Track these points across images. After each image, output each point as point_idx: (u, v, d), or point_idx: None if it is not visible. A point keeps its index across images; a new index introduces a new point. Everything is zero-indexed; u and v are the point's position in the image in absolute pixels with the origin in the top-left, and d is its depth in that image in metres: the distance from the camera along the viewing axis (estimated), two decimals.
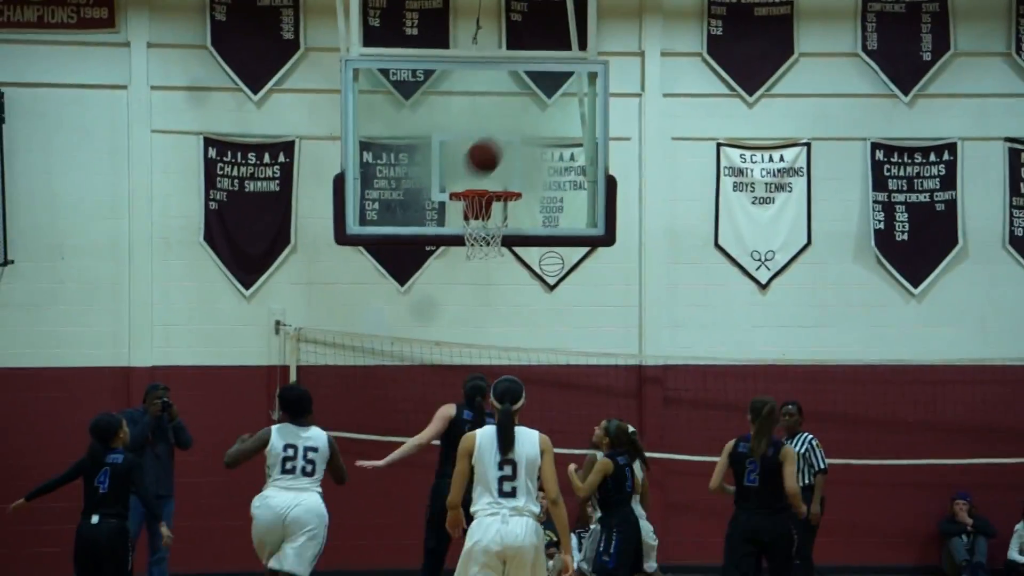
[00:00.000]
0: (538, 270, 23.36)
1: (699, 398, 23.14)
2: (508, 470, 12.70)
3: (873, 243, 23.47)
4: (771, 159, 23.53)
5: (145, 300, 22.76)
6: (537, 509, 12.81)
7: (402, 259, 23.05)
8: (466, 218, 18.11)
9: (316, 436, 16.44)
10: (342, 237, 17.95)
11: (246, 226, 22.93)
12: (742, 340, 23.35)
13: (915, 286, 23.53)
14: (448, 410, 17.34)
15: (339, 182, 17.75)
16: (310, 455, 16.25)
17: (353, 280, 23.02)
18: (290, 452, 16.29)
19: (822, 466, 19.61)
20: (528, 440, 12.92)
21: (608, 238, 18.60)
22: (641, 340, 23.38)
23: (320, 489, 16.40)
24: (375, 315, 23.04)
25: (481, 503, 12.68)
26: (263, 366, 22.85)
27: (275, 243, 22.98)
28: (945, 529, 22.85)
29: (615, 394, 23.21)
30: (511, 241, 18.77)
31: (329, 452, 16.29)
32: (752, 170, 23.53)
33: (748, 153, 23.53)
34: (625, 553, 17.36)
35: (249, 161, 22.92)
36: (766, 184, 23.55)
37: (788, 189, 23.55)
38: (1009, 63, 23.68)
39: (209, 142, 22.82)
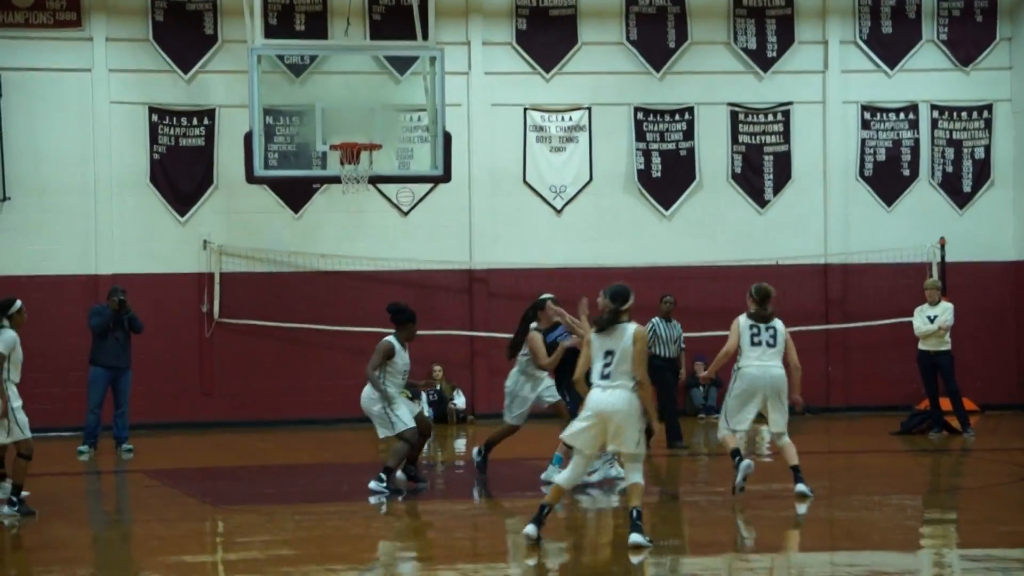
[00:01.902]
0: (395, 201, 23.41)
1: (514, 293, 23.23)
2: (608, 358, 11.69)
3: (636, 180, 23.84)
4: (563, 119, 23.78)
5: (107, 226, 22.67)
6: (630, 384, 11.63)
7: (295, 194, 23.07)
8: (342, 163, 18.31)
9: None
10: (251, 178, 18.29)
11: (180, 172, 22.87)
12: (544, 250, 23.52)
13: (666, 210, 23.89)
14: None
15: (248, 138, 18.05)
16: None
17: (260, 210, 23.01)
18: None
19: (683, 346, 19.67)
20: (625, 333, 11.71)
21: (446, 177, 18.84)
22: (471, 251, 23.56)
23: None
24: (276, 235, 23.10)
25: (592, 379, 11.76)
26: (194, 273, 22.86)
27: (202, 184, 22.93)
28: (689, 383, 23.47)
29: (453, 291, 23.51)
30: (375, 180, 18.90)
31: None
32: (549, 127, 23.80)
33: (546, 115, 23.75)
34: None
35: (182, 124, 22.89)
36: (559, 137, 23.78)
37: (576, 141, 23.80)
38: (729, 49, 24.04)
39: (152, 110, 22.82)
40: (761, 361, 14.40)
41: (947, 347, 20.10)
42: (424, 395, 23.01)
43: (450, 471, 18.37)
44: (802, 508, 13.70)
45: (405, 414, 15.31)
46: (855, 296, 23.70)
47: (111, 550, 12.56)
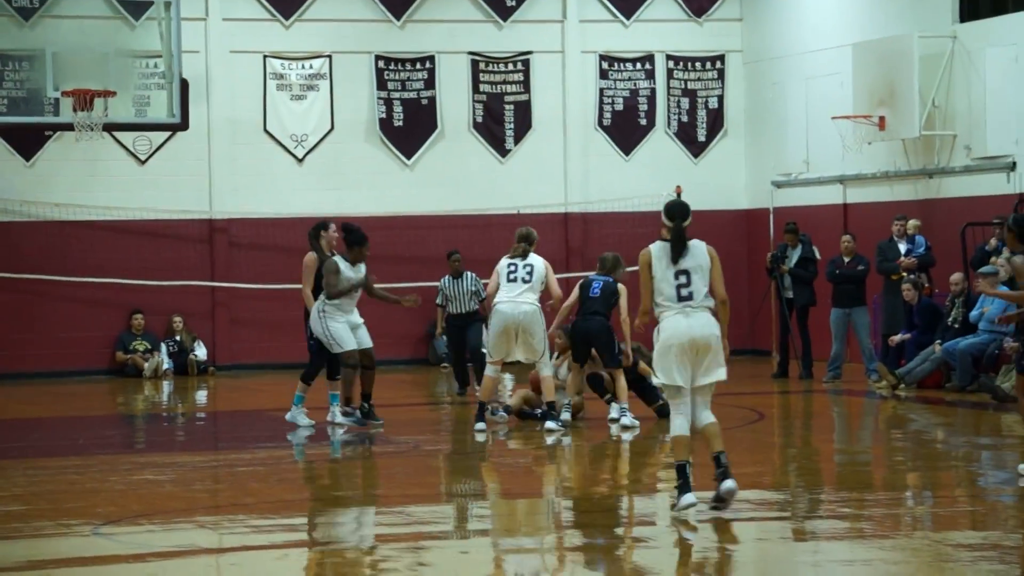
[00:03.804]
0: (132, 149, 22.94)
1: (255, 243, 23.21)
2: (683, 279, 10.66)
3: (378, 128, 23.73)
4: (303, 67, 23.61)
5: None
6: (712, 305, 10.76)
7: (27, 141, 22.42)
8: (75, 110, 18.06)
9: None
10: None
11: None
12: (286, 199, 23.31)
13: (408, 159, 23.87)
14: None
15: None
16: None
17: None
18: None
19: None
20: (699, 251, 10.78)
21: (183, 125, 18.80)
22: (211, 200, 23.26)
23: None
24: (8, 183, 22.45)
25: (667, 306, 10.65)
26: None
27: None
28: (430, 331, 23.30)
29: (192, 240, 23.21)
30: (110, 127, 18.78)
31: None
32: (290, 75, 23.59)
33: (286, 62, 23.54)
34: None
35: None
36: (300, 85, 23.60)
37: (316, 89, 23.64)
38: None
39: None
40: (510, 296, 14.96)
41: None
42: (163, 345, 22.80)
43: (191, 423, 18.23)
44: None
45: (345, 337, 15.32)
46: (596, 244, 24.01)
47: None
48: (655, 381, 13.47)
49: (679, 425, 10.69)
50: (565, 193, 24.29)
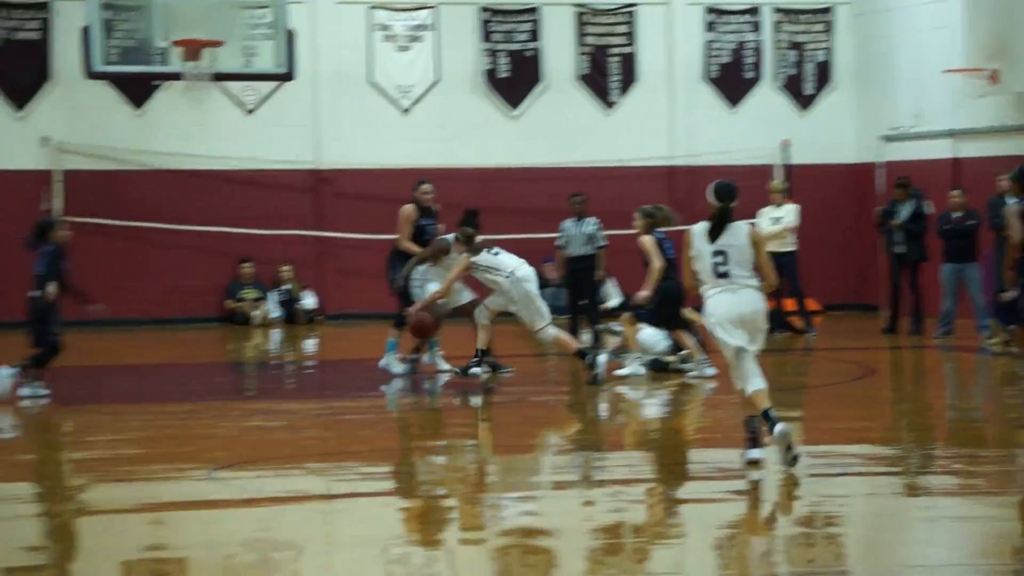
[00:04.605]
0: (239, 99, 23.06)
1: (360, 193, 23.18)
2: (720, 258, 10.79)
3: (483, 79, 23.74)
4: (409, 18, 23.57)
5: None
6: (755, 282, 10.80)
7: (137, 90, 22.64)
8: (183, 60, 18.17)
9: None
10: (90, 73, 18.14)
11: (16, 66, 22.31)
12: (391, 150, 23.26)
13: (513, 110, 23.84)
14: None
15: (86, 33, 17.91)
16: None
17: (100, 107, 22.55)
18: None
19: (603, 243, 18.47)
20: (740, 232, 10.95)
21: (289, 75, 18.84)
22: (317, 150, 23.33)
23: None
24: (118, 132, 22.67)
25: (710, 283, 10.81)
26: (33, 170, 22.42)
27: (38, 78, 22.43)
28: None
29: (298, 190, 23.28)
30: (218, 77, 18.77)
31: None
32: (395, 26, 23.56)
33: (392, 13, 23.52)
34: None
35: (14, 17, 22.33)
36: (405, 36, 23.57)
37: (422, 40, 23.60)
38: None
39: None
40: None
41: (791, 248, 20.40)
42: (272, 294, 22.97)
43: (299, 370, 18.40)
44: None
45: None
46: (701, 198, 23.81)
47: None
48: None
49: (753, 382, 10.69)
50: (670, 145, 24.13)
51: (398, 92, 23.64)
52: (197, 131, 22.92)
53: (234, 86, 22.69)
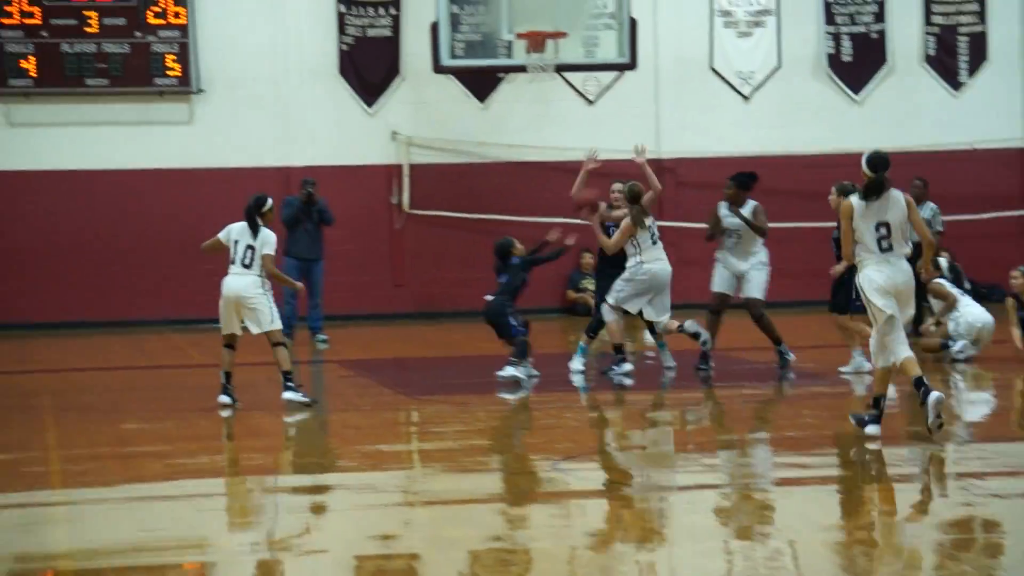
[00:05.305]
0: (581, 90, 23.26)
1: (702, 182, 22.96)
2: (883, 231, 11.15)
3: (826, 64, 23.44)
4: (750, 3, 23.42)
5: (299, 118, 22.71)
6: (908, 251, 11.30)
7: (482, 84, 23.00)
8: (527, 52, 18.38)
9: None
10: (438, 67, 18.53)
11: (369, 62, 22.90)
12: (732, 138, 23.20)
13: (856, 94, 23.47)
14: None
15: (435, 28, 18.32)
16: None
17: (446, 100, 22.97)
18: None
19: (940, 228, 18.47)
20: (896, 201, 11.23)
21: (631, 64, 18.89)
22: (657, 138, 23.28)
23: None
24: (463, 125, 23.08)
25: (868, 256, 11.22)
26: (383, 165, 22.97)
27: (389, 74, 22.95)
28: None
29: (635, 179, 23.27)
30: (561, 68, 18.95)
31: None
32: (736, 12, 23.45)
33: None
34: None
35: (369, 14, 22.92)
36: (747, 22, 23.44)
37: (763, 25, 23.44)
38: None
39: (339, 0, 22.87)
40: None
41: None
42: None
43: (639, 361, 18.37)
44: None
45: None
46: None
47: (310, 438, 12.77)
48: None
49: (902, 350, 11.25)
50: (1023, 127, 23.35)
51: (739, 78, 23.49)
52: (540, 122, 23.16)
53: (576, 77, 22.88)
